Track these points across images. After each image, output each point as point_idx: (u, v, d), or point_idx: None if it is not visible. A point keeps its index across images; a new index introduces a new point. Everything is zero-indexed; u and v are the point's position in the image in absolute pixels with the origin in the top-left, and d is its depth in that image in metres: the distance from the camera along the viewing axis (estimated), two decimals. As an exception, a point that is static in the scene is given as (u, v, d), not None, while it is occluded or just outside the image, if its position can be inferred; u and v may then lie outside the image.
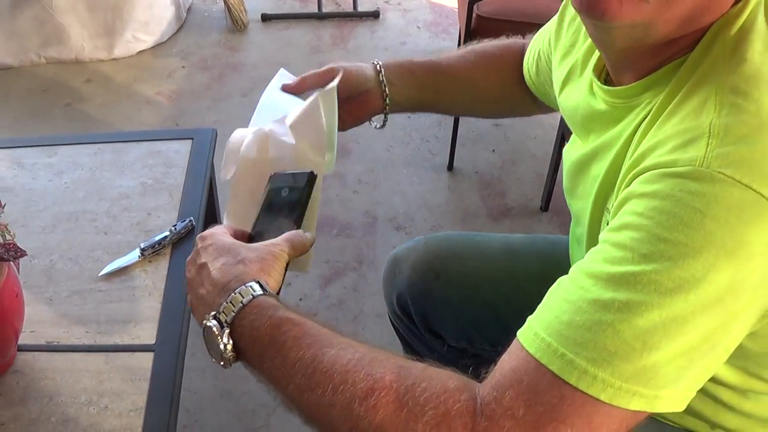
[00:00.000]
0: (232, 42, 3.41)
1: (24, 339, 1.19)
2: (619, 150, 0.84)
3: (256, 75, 3.17)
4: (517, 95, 1.30)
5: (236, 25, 3.46)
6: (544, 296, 0.77)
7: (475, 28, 2.27)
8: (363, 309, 2.14)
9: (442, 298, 1.29)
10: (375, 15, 3.54)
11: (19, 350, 1.19)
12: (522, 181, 2.60)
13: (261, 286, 0.86)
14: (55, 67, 3.26)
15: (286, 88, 1.24)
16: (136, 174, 1.56)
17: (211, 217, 1.52)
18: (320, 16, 3.54)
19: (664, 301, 0.67)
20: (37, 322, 1.23)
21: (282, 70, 1.28)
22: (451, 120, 2.67)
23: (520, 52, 1.29)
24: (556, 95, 1.08)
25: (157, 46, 3.39)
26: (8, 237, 1.09)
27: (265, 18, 3.53)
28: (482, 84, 1.30)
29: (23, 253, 1.08)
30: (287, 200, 1.04)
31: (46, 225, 1.43)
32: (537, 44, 1.22)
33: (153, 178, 1.54)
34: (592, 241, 0.86)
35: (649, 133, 0.78)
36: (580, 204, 0.97)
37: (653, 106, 0.80)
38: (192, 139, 1.66)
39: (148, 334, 1.19)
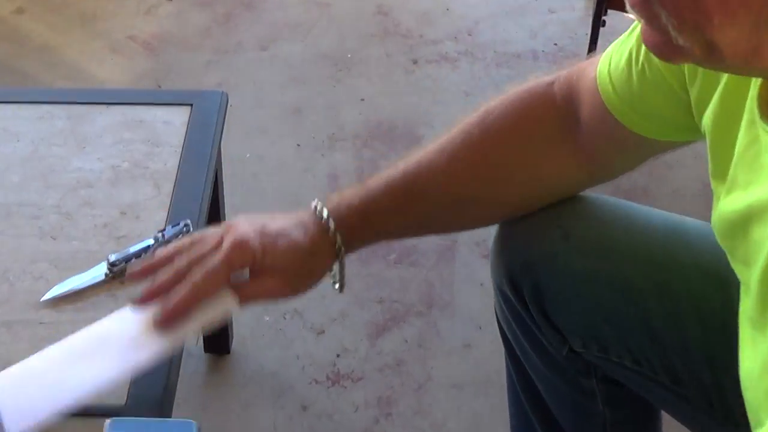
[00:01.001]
0: (245, -33, 3.50)
1: None
2: None
3: (280, 18, 3.19)
4: (558, 163, 1.32)
5: (253, -56, 3.48)
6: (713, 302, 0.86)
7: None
8: (432, 374, 2.11)
9: (567, 268, 1.31)
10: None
11: None
12: (680, 194, 2.59)
13: None
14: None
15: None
16: (103, 153, 1.61)
17: (215, 220, 1.57)
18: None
19: None
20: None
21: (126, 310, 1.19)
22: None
23: (550, 100, 1.31)
24: (695, 111, 1.09)
25: (131, -35, 3.48)
26: None
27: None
28: (502, 172, 1.32)
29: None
30: None
31: (-42, 222, 1.50)
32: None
33: (130, 160, 1.59)
34: (762, 327, 0.89)
35: None
36: (743, 271, 0.99)
37: None
38: (191, 105, 1.72)
39: (114, 392, 1.20)
